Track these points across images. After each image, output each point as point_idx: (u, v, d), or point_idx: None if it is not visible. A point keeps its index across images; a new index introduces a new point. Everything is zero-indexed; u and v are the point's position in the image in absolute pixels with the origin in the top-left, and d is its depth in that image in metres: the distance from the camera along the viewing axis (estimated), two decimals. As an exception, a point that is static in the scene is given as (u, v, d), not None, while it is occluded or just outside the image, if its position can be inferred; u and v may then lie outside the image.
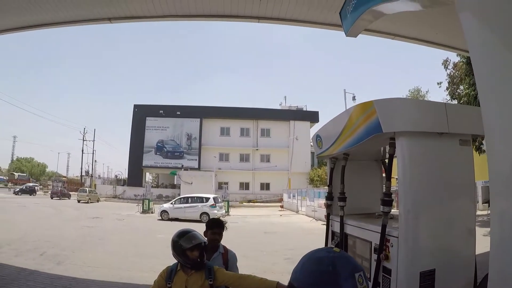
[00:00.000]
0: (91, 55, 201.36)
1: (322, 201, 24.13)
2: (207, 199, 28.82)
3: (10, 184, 72.89)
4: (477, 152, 19.05)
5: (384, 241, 3.24)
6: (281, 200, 47.71)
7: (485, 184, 24.56)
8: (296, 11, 7.70)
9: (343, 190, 4.27)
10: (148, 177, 65.21)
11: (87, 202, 42.47)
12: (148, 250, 12.92)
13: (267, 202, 52.81)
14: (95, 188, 54.07)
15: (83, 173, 67.66)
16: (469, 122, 3.39)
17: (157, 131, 57.28)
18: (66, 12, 7.85)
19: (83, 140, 66.68)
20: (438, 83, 24.50)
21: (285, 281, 1.46)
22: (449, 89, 22.99)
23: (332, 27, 8.13)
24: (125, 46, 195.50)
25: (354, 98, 37.14)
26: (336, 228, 4.47)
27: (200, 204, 28.30)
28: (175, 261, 3.81)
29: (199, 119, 57.40)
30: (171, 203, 29.36)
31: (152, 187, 47.82)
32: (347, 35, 4.69)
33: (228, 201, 36.19)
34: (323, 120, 52.70)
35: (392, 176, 3.44)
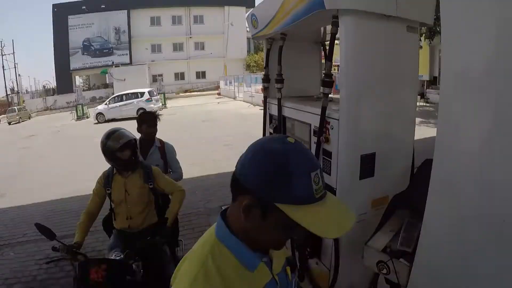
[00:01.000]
0: None
1: (259, 86, 24.31)
2: (142, 94, 28.57)
3: None
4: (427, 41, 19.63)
5: (324, 124, 3.16)
6: (218, 87, 47.58)
7: (419, 78, 25.70)
8: None
9: (280, 71, 4.09)
10: (78, 80, 61.66)
11: (19, 122, 39.45)
12: (88, 158, 12.62)
13: (204, 90, 52.64)
14: (24, 105, 49.77)
15: (8, 92, 61.77)
16: (419, 8, 3.19)
17: (81, 29, 53.26)
18: None
19: (2, 55, 59.83)
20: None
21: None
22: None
23: None
24: None
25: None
26: (274, 111, 4.36)
27: (135, 100, 28.05)
28: None
29: (126, 11, 53.78)
30: (106, 104, 28.85)
31: (83, 90, 46.08)
32: None
33: (164, 94, 35.87)
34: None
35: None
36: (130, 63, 52.98)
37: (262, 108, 4.85)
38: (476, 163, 1.81)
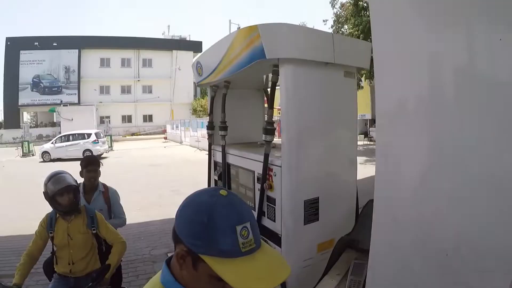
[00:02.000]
0: None
1: (205, 131, 24.36)
2: (89, 135, 27.76)
3: None
4: (368, 81, 20.48)
5: (267, 171, 3.20)
6: (164, 131, 47.32)
7: (361, 117, 26.92)
8: None
9: (224, 119, 4.14)
10: (26, 117, 59.28)
11: None
12: (32, 197, 12.00)
13: (151, 134, 52.00)
14: None
15: None
16: (355, 54, 3.38)
17: (32, 65, 51.42)
18: None
19: None
20: (324, 21, 25.21)
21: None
22: (334, 27, 23.90)
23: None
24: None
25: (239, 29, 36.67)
26: (219, 158, 4.38)
27: (82, 141, 27.19)
28: None
29: (77, 50, 52.68)
30: (52, 143, 27.67)
31: (31, 127, 44.19)
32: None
33: (111, 136, 35.14)
34: (207, 50, 52.34)
35: (274, 106, 3.36)
36: (79, 103, 51.50)
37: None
38: (416, 199, 1.85)
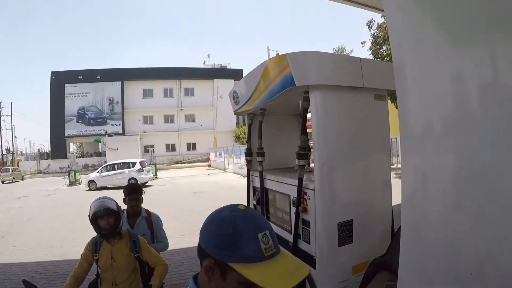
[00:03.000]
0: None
1: (248, 158, 24.39)
2: (134, 164, 28.37)
3: None
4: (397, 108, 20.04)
5: (302, 194, 3.29)
6: (208, 159, 47.87)
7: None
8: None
9: (261, 145, 4.27)
10: (72, 147, 61.89)
11: (12, 182, 39.66)
12: (78, 224, 12.50)
13: (194, 162, 52.79)
14: (18, 166, 50.21)
15: (4, 152, 62.14)
16: (385, 77, 3.41)
17: (77, 98, 54.07)
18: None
19: (0, 116, 61.14)
20: (361, 43, 25.22)
21: None
22: (372, 49, 23.88)
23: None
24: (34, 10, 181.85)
25: (277, 55, 36.65)
26: (257, 183, 4.49)
27: (127, 170, 27.80)
28: None
29: (120, 82, 55.07)
30: (98, 172, 28.47)
31: (77, 157, 46.32)
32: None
33: (155, 164, 35.85)
34: (247, 77, 52.89)
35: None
36: (123, 133, 53.40)
37: (249, 180, 4.96)
38: (442, 220, 1.87)
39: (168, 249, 4.83)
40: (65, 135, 53.77)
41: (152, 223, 4.77)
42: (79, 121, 54.20)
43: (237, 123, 58.33)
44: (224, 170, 37.28)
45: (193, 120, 58.53)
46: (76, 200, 21.34)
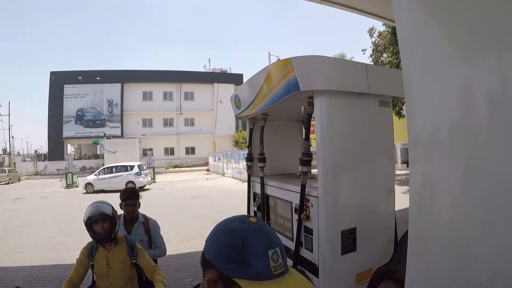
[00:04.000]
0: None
1: (247, 163, 24.43)
2: (132, 167, 28.29)
3: None
4: (397, 116, 20.07)
5: (304, 201, 3.23)
6: (207, 163, 47.73)
7: (403, 146, 26.73)
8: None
9: (263, 150, 4.21)
10: (70, 149, 61.81)
11: (8, 183, 39.19)
12: (74, 227, 12.39)
13: (193, 166, 52.73)
14: (15, 167, 49.70)
15: (1, 152, 62.03)
16: (390, 84, 3.39)
17: (76, 99, 53.78)
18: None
19: None
20: (362, 50, 25.37)
21: None
22: (373, 56, 24.07)
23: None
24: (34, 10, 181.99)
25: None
26: (258, 189, 4.44)
27: (125, 173, 27.71)
28: None
29: (120, 84, 54.85)
30: (95, 175, 28.36)
31: (74, 159, 46.07)
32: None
33: (153, 168, 35.70)
34: (248, 82, 53.04)
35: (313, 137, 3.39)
36: (122, 136, 53.13)
37: (249, 185, 4.90)
38: (449, 230, 1.83)
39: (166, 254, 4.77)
40: (63, 136, 53.57)
41: (150, 229, 4.71)
42: (78, 123, 53.96)
43: (237, 128, 58.38)
44: (223, 174, 37.26)
45: (193, 124, 58.42)
46: (73, 203, 21.22)
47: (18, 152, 76.09)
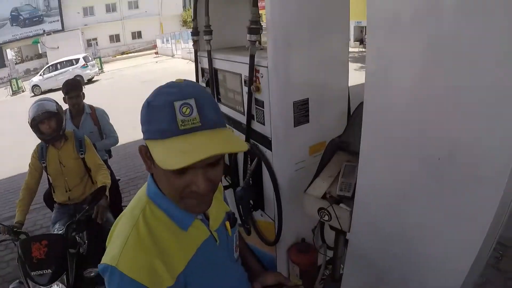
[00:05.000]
0: None
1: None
2: (77, 60, 27.79)
3: None
4: None
5: (254, 72, 3.05)
6: (155, 46, 46.59)
7: (357, 24, 27.18)
8: None
9: (209, 23, 3.91)
10: (10, 54, 57.63)
11: None
12: (26, 135, 12.03)
13: (141, 51, 51.18)
14: None
15: None
16: None
17: None
18: None
19: None
20: None
21: None
22: None
23: None
24: None
25: None
26: (205, 64, 4.21)
27: (71, 68, 27.24)
28: None
29: (54, -28, 49.94)
30: (40, 75, 27.70)
31: (16, 63, 43.59)
32: None
33: (100, 58, 34.86)
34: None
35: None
36: (62, 30, 49.47)
37: (198, 62, 4.69)
38: (407, 104, 1.76)
39: (121, 143, 4.67)
40: (0, 41, 49.28)
41: (98, 119, 4.55)
42: (14, 24, 49.17)
43: (184, 6, 55.90)
44: (173, 56, 36.70)
45: (137, 7, 54.72)
46: (22, 109, 20.40)
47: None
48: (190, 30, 4.63)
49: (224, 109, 3.92)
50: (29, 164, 3.70)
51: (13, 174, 8.91)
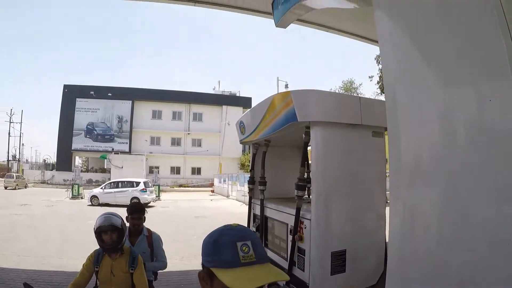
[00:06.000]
0: (16, 31, 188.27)
1: (252, 185, 24.26)
2: (138, 183, 28.09)
3: None
4: None
5: (299, 223, 3.45)
6: (212, 185, 47.52)
7: None
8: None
9: (264, 174, 4.43)
10: (78, 161, 61.90)
11: (15, 189, 39.67)
12: (77, 237, 12.53)
13: (198, 186, 52.52)
14: (23, 174, 50.51)
15: (10, 158, 62.84)
16: (383, 115, 3.55)
17: (87, 113, 54.44)
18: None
19: (10, 122, 62.04)
20: (369, 77, 25.55)
21: None
22: (380, 83, 24.18)
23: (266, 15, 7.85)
24: (54, 23, 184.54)
25: (286, 86, 36.66)
26: (257, 211, 4.66)
27: (130, 189, 27.55)
28: None
29: (130, 101, 55.42)
30: (101, 188, 28.26)
31: (81, 171, 45.94)
32: (277, 26, 4.76)
33: (159, 186, 35.53)
34: (256, 106, 52.82)
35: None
36: (129, 152, 53.50)
37: (252, 207, 5.09)
38: (428, 248, 1.96)
39: (166, 270, 4.92)
40: (72, 148, 53.98)
41: (153, 242, 4.88)
42: (87, 136, 54.35)
43: (243, 150, 58.24)
44: (227, 196, 37.09)
45: (200, 145, 58.59)
46: (77, 213, 21.26)
47: (26, 160, 76.38)
48: (247, 173, 5.10)
49: (269, 253, 4.22)
50: (83, 265, 3.87)
51: (55, 269, 9.12)
